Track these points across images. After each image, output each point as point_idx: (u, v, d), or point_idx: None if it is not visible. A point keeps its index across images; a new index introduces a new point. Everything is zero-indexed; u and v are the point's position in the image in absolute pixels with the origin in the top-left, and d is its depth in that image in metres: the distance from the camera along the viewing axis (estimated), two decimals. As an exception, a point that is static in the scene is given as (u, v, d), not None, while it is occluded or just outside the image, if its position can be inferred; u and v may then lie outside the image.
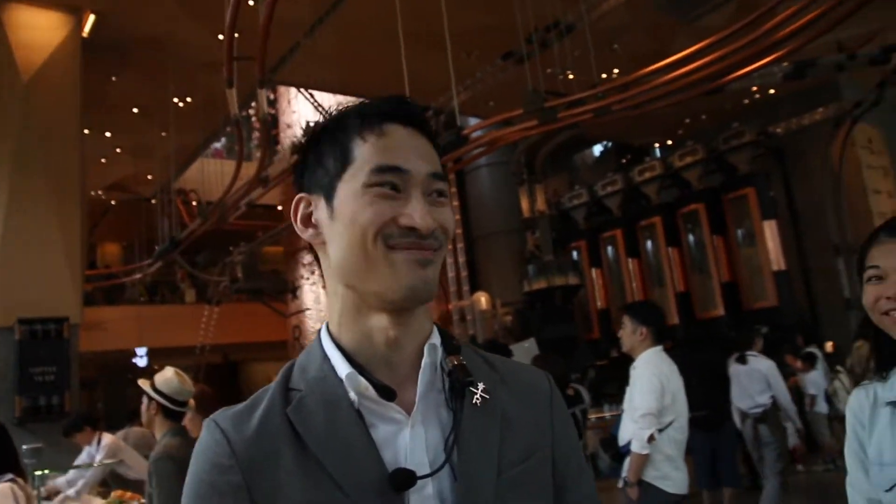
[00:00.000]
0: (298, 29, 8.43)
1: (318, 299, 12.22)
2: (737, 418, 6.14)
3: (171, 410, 3.14)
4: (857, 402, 1.57)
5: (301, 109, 11.95)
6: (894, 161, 11.93)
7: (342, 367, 0.87)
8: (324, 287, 0.95)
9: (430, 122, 0.97)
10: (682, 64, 6.23)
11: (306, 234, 0.93)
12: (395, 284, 0.86)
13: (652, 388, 3.78)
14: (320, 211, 0.91)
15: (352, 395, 0.86)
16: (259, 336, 15.68)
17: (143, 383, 3.22)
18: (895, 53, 7.23)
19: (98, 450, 5.68)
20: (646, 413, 3.74)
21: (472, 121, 11.21)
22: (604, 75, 9.72)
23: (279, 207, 13.96)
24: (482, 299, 12.19)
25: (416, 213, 0.86)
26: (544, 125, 6.13)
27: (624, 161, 14.73)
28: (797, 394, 8.23)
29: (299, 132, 10.67)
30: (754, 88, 10.49)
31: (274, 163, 9.77)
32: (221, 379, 17.89)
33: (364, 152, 0.89)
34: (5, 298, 7.36)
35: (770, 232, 10.46)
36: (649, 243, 11.94)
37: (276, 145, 12.62)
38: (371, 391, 0.85)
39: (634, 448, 3.75)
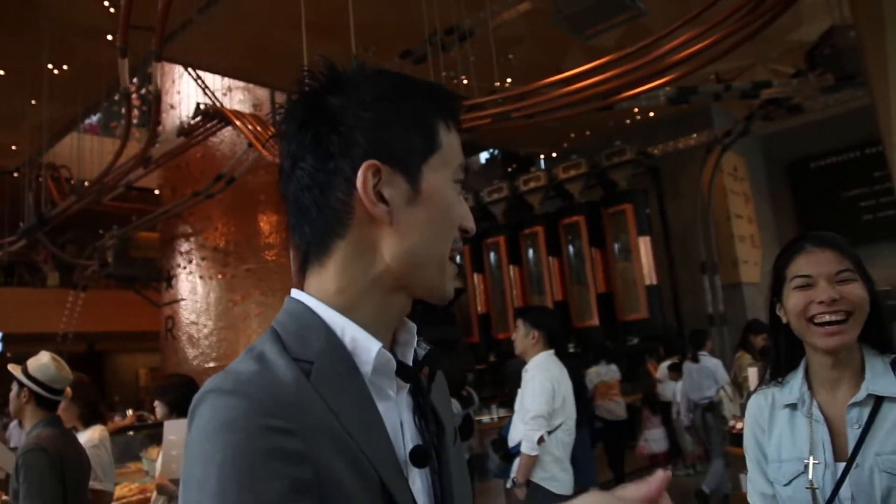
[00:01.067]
0: (192, 4, 8.09)
1: (193, 289, 11.75)
2: (684, 409, 7.47)
3: (46, 399, 2.95)
4: (756, 406, 1.68)
5: (185, 90, 11.47)
6: (754, 188, 12.90)
7: (369, 342, 0.83)
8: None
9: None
10: (578, 79, 6.48)
11: (377, 210, 0.84)
12: (445, 290, 0.90)
13: (543, 390, 3.89)
14: (397, 189, 0.85)
15: (367, 368, 0.83)
16: (128, 326, 14.88)
17: (14, 368, 2.98)
18: (765, 89, 7.84)
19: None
20: (536, 415, 3.84)
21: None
22: (496, 83, 9.93)
23: (157, 191, 13.34)
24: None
25: (470, 216, 0.91)
26: (442, 126, 6.19)
27: (510, 169, 15.09)
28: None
29: (184, 113, 10.26)
30: (636, 109, 11.02)
31: (156, 144, 9.31)
32: (84, 369, 16.76)
33: (451, 142, 0.89)
34: None
35: (644, 247, 11.03)
36: (531, 251, 12.28)
37: (159, 126, 12.05)
38: (392, 364, 0.85)
39: (524, 449, 3.84)
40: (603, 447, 8.88)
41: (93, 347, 17.79)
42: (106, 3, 6.24)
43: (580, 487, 4.68)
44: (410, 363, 0.90)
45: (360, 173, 0.84)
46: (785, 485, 1.56)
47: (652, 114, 11.63)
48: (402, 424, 0.86)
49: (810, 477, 1.50)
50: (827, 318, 1.50)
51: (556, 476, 3.87)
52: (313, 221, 0.87)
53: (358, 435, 0.78)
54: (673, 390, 8.22)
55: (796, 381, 1.61)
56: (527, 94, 6.64)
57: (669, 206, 12.14)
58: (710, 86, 8.04)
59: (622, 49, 6.88)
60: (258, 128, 8.04)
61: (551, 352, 4.08)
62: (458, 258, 0.91)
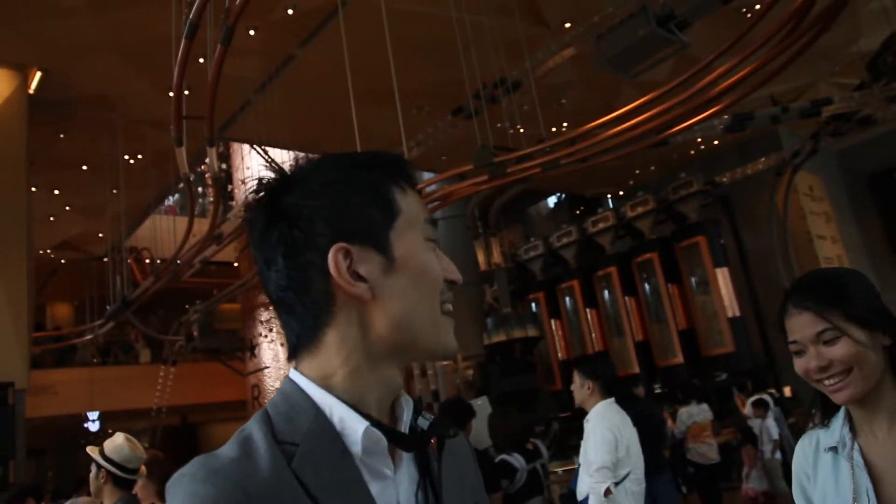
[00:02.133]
0: (249, 86, 8.50)
1: (276, 357, 12.04)
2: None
3: (122, 478, 3.03)
4: (801, 451, 1.59)
5: (254, 165, 11.95)
6: (835, 206, 12.32)
7: (355, 422, 0.82)
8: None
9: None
10: (625, 119, 6.41)
11: (357, 289, 0.85)
12: (444, 344, 0.90)
13: (605, 440, 3.78)
14: (370, 263, 0.86)
15: (356, 448, 0.82)
16: (217, 396, 15.33)
17: (92, 450, 3.09)
18: (825, 107, 7.55)
19: (42, 523, 5.47)
20: (600, 467, 3.74)
21: (427, 175, 11.33)
22: (553, 129, 9.94)
23: (235, 264, 13.83)
24: (442, 353, 12.12)
25: (452, 266, 0.91)
26: (494, 180, 6.22)
27: (578, 212, 14.96)
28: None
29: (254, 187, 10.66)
30: (699, 140, 10.81)
31: (228, 219, 9.69)
32: (179, 441, 17.38)
33: (410, 203, 0.90)
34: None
35: (723, 279, 10.65)
36: (606, 293, 12.06)
37: (231, 201, 12.57)
38: (382, 444, 0.83)
39: (592, 503, 3.73)
40: (698, 493, 8.49)
41: (185, 420, 18.37)
42: (171, 94, 6.64)
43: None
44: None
45: (330, 259, 0.84)
46: None
47: (716, 142, 11.37)
48: (396, 502, 0.84)
49: None
50: (826, 381, 1.43)
51: None
52: (300, 317, 0.87)
53: None
54: (759, 427, 7.80)
55: (838, 422, 1.51)
56: (577, 139, 6.61)
57: (745, 234, 11.74)
58: (767, 110, 7.81)
59: (676, 82, 6.79)
60: (319, 196, 8.25)
61: (610, 400, 3.98)
62: (449, 308, 0.91)
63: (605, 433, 3.81)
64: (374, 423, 0.83)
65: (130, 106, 8.90)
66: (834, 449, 1.49)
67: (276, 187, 0.89)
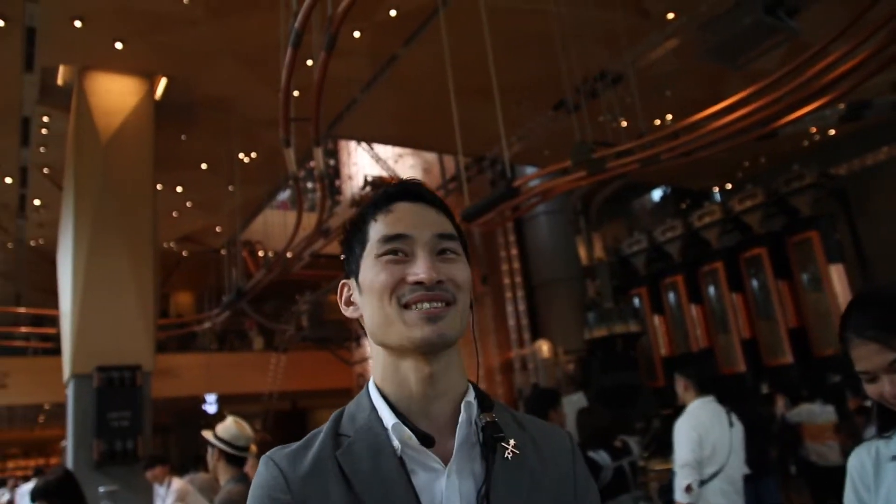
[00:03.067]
0: (356, 85, 8.80)
1: (380, 347, 12.40)
2: None
3: (233, 456, 3.27)
4: (857, 461, 1.57)
5: (361, 161, 12.34)
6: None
7: (388, 418, 0.99)
8: (375, 356, 1.09)
9: (436, 195, 1.12)
10: (731, 110, 6.24)
11: (348, 312, 1.10)
12: (410, 337, 0.98)
13: (689, 439, 3.86)
14: (354, 291, 1.08)
15: (395, 443, 0.97)
16: (325, 383, 15.93)
17: (206, 433, 3.37)
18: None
19: (168, 493, 5.93)
20: (683, 464, 3.85)
21: (530, 170, 11.37)
22: (657, 122, 9.77)
23: (342, 257, 14.31)
24: (544, 347, 12.15)
25: (420, 268, 1.00)
26: (593, 176, 6.21)
27: (683, 206, 14.58)
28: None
29: (359, 183, 11.03)
30: (813, 130, 10.33)
31: (335, 214, 10.08)
32: (289, 425, 18.15)
33: (375, 229, 1.05)
34: (85, 347, 7.77)
35: (837, 276, 10.15)
36: (712, 289, 11.73)
37: (338, 196, 13.03)
38: (413, 440, 0.96)
39: (676, 497, 3.87)
40: (809, 495, 8.18)
41: (295, 405, 19.14)
42: (281, 97, 7.02)
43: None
44: (481, 436, 0.99)
45: (339, 291, 1.13)
46: None
47: (832, 132, 10.83)
48: (443, 494, 0.94)
49: None
50: None
51: None
52: None
53: (372, 501, 0.92)
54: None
55: None
56: (680, 132, 6.49)
57: (863, 228, 11.13)
58: (887, 96, 7.38)
59: (785, 70, 6.55)
60: (421, 192, 8.45)
61: (705, 398, 4.00)
62: (413, 300, 0.99)
63: (690, 431, 3.88)
64: (405, 420, 0.98)
65: (245, 108, 9.41)
66: None
67: None
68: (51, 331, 13.90)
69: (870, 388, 1.43)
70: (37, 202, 11.91)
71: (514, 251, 12.63)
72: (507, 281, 12.51)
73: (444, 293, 0.99)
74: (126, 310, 7.97)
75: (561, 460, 1.06)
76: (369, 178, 9.77)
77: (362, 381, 12.73)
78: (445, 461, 0.95)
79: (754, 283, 11.13)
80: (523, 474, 0.99)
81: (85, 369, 7.73)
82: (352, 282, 1.09)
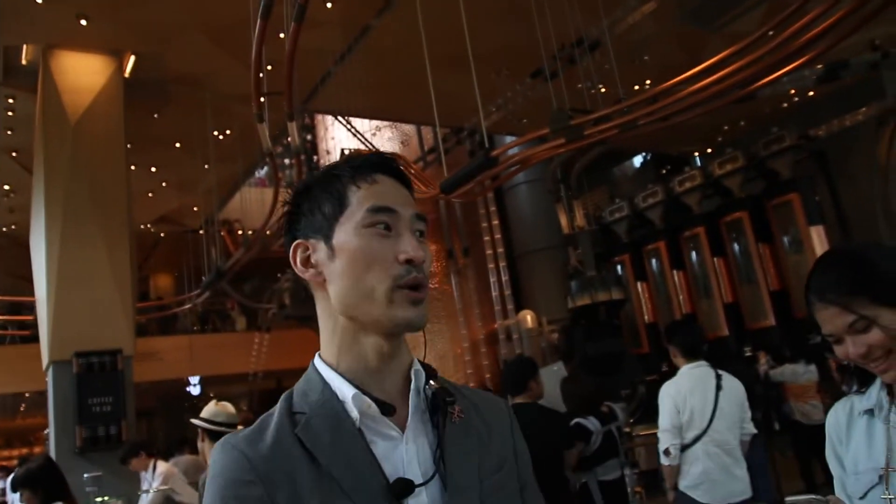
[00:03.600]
0: (329, 58, 8.63)
1: (364, 322, 12.34)
2: None
3: (214, 433, 3.36)
4: (833, 418, 1.59)
5: (339, 135, 12.19)
6: (946, 158, 11.55)
7: (347, 389, 0.99)
8: (327, 330, 1.06)
9: (408, 175, 1.12)
10: (708, 73, 6.17)
11: (307, 275, 1.05)
12: (394, 317, 0.98)
13: (665, 406, 4.06)
14: (319, 252, 1.03)
15: (354, 414, 0.97)
16: (309, 361, 15.84)
17: (194, 419, 3.51)
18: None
19: (154, 476, 5.91)
20: (661, 429, 4.05)
21: (509, 139, 11.27)
22: (636, 87, 9.68)
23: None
24: (527, 317, 12.16)
25: (409, 247, 1.00)
26: (571, 143, 6.14)
27: (664, 171, 14.57)
28: None
29: (336, 157, 10.87)
30: (792, 91, 10.30)
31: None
32: (274, 404, 18.09)
33: (360, 197, 1.02)
34: (62, 333, 7.66)
35: (818, 237, 10.21)
36: (694, 254, 11.76)
37: (316, 171, 12.88)
38: (374, 408, 0.97)
39: (661, 460, 4.06)
40: (793, 454, 8.29)
41: (280, 384, 19.09)
42: (252, 70, 6.88)
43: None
44: (430, 403, 1.02)
45: (290, 253, 1.06)
46: (860, 497, 1.44)
47: (811, 93, 10.81)
48: (403, 460, 0.97)
49: (886, 487, 1.38)
50: (871, 364, 1.39)
51: (701, 485, 3.93)
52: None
53: (338, 472, 0.93)
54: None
55: (875, 387, 1.49)
56: (658, 97, 6.42)
57: (842, 190, 11.17)
58: (864, 56, 7.35)
59: (763, 30, 6.47)
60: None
61: (691, 364, 4.11)
62: (408, 282, 0.99)
63: (665, 399, 4.08)
64: (363, 391, 0.98)
65: (218, 84, 9.21)
66: (870, 412, 1.48)
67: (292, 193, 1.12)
68: (28, 318, 13.72)
69: (837, 349, 1.43)
70: (6, 187, 11.66)
71: (494, 222, 12.57)
72: (489, 252, 12.46)
73: (423, 276, 1.01)
74: (103, 293, 7.84)
75: (501, 425, 1.12)
76: (346, 152, 9.63)
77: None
78: (401, 430, 0.98)
79: (736, 247, 11.18)
80: (471, 437, 1.04)
81: (64, 356, 7.62)
82: (317, 243, 1.04)
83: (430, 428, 1.01)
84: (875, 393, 1.48)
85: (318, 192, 1.06)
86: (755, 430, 4.10)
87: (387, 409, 0.98)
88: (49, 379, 7.84)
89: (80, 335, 7.66)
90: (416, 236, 1.04)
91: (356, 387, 0.99)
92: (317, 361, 1.06)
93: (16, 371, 13.30)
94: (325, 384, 1.01)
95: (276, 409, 1.01)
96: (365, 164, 1.06)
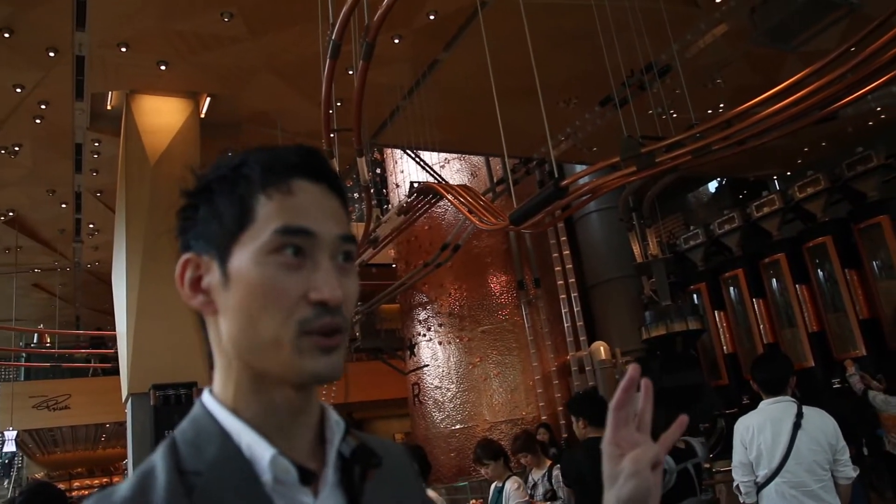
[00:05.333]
0: (398, 92, 8.74)
1: (435, 355, 12.31)
2: None
3: None
4: None
5: (408, 168, 12.28)
6: None
7: (260, 449, 0.78)
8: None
9: (336, 172, 0.88)
10: (785, 95, 5.94)
11: (194, 301, 0.83)
12: (300, 370, 0.79)
13: (735, 442, 3.96)
14: (212, 275, 0.81)
15: (266, 477, 0.77)
16: (381, 394, 15.92)
17: None
18: None
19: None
20: (733, 466, 3.95)
21: (579, 168, 11.14)
22: (709, 111, 9.44)
23: (393, 265, 14.30)
24: (601, 349, 11.87)
25: (325, 284, 0.79)
26: (643, 171, 5.98)
27: (740, 196, 14.12)
28: None
29: (406, 190, 10.98)
30: (878, 109, 9.86)
31: (383, 223, 10.04)
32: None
33: (268, 211, 0.80)
34: (141, 366, 7.90)
35: (911, 261, 9.66)
36: (774, 281, 11.29)
37: (387, 205, 13.01)
38: (293, 475, 0.78)
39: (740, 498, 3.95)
40: (893, 495, 7.80)
41: (352, 416, 19.21)
42: (322, 108, 7.03)
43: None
44: (345, 459, 0.84)
45: (177, 269, 0.83)
46: None
47: (899, 111, 10.33)
48: None
49: None
50: None
51: None
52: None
53: None
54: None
55: None
56: (733, 121, 6.22)
57: (937, 211, 10.56)
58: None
59: (843, 48, 6.20)
60: (468, 197, 8.34)
61: (769, 400, 3.94)
62: (317, 328, 0.79)
63: (735, 434, 3.96)
64: (280, 451, 0.77)
65: (289, 121, 9.44)
66: None
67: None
68: (109, 352, 14.22)
69: None
70: (91, 226, 12.19)
71: (565, 251, 12.37)
72: (560, 282, 12.27)
73: (342, 320, 0.80)
74: (180, 329, 8.02)
75: (410, 477, 0.97)
76: (415, 185, 9.70)
77: (418, 389, 12.65)
78: (314, 495, 0.79)
79: (820, 273, 10.67)
80: (387, 497, 0.88)
81: (142, 388, 7.83)
82: (209, 262, 0.82)
83: (341, 491, 0.83)
84: None
85: (221, 195, 0.82)
86: (854, 474, 3.81)
87: (307, 477, 0.78)
88: (128, 410, 8.05)
89: (158, 368, 7.86)
90: (340, 262, 0.82)
91: (269, 444, 0.78)
92: (209, 402, 0.82)
93: (98, 402, 13.79)
94: (225, 436, 0.79)
95: (157, 464, 0.77)
96: (279, 164, 0.82)
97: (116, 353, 9.39)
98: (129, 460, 8.01)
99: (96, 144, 9.79)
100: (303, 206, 0.81)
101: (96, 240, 12.76)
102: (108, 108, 9.14)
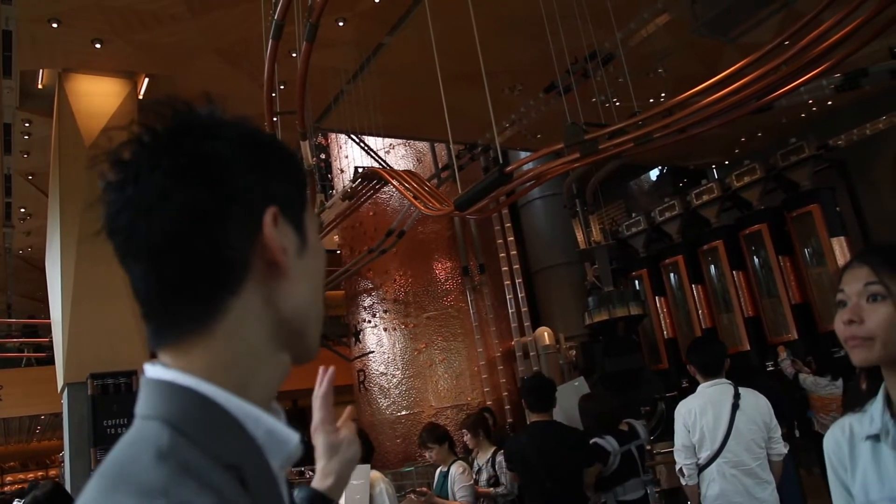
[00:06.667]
0: (342, 76, 8.64)
1: (380, 342, 12.28)
2: None
3: None
4: (833, 442, 1.52)
5: (352, 153, 12.17)
6: (970, 167, 11.35)
7: (287, 435, 0.75)
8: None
9: None
10: (724, 85, 6.08)
11: (284, 259, 0.76)
12: (317, 345, 0.84)
13: (676, 425, 4.08)
14: (289, 238, 0.77)
15: (277, 462, 0.75)
16: (326, 380, 15.73)
17: None
18: (955, 56, 6.90)
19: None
20: (675, 449, 4.06)
21: (524, 155, 11.21)
22: (651, 100, 9.60)
23: (338, 251, 14.18)
24: (545, 334, 12.01)
25: None
26: (586, 158, 6.05)
27: (681, 185, 14.44)
28: None
29: (350, 176, 10.86)
30: (810, 101, 10.18)
31: (327, 208, 9.93)
32: (291, 425, 18.04)
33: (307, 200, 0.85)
34: (77, 355, 7.67)
35: (840, 249, 10.01)
36: (713, 268, 11.59)
37: (332, 190, 12.87)
38: (299, 453, 0.78)
39: (680, 480, 4.05)
40: (820, 471, 8.10)
41: (296, 404, 19.05)
42: (265, 90, 6.90)
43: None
44: None
45: (266, 219, 0.74)
46: None
47: (829, 102, 10.67)
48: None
49: None
50: (850, 340, 1.41)
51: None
52: (195, 274, 0.72)
53: None
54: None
55: (877, 409, 1.42)
56: (674, 109, 6.34)
57: (865, 200, 10.99)
58: (884, 64, 7.23)
59: (778, 41, 6.38)
60: (413, 182, 8.32)
61: (708, 382, 4.02)
62: None
63: (676, 418, 4.09)
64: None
65: (232, 103, 8.96)
66: (875, 437, 1.41)
67: (190, 125, 0.77)
68: (43, 340, 13.77)
69: (837, 317, 1.44)
70: (22, 210, 11.75)
71: (510, 238, 12.46)
72: (504, 268, 12.36)
73: None
74: (119, 315, 7.83)
75: None
76: (360, 170, 9.61)
77: (363, 376, 12.61)
78: None
79: (756, 260, 11.00)
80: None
81: (79, 377, 7.62)
82: (286, 227, 0.77)
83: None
84: (878, 416, 1.41)
85: (274, 159, 0.80)
86: (785, 451, 3.98)
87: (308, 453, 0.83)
88: (64, 401, 7.82)
89: (96, 357, 7.66)
90: None
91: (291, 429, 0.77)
92: (212, 391, 0.71)
93: (32, 393, 13.37)
94: (238, 424, 0.71)
95: (190, 460, 0.64)
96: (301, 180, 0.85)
97: (51, 341, 9.10)
98: (66, 452, 7.78)
99: (27, 125, 9.41)
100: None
101: (28, 224, 12.30)
102: (40, 86, 8.79)
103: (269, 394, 0.78)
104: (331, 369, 0.97)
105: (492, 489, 5.62)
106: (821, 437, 6.49)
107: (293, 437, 0.76)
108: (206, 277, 0.72)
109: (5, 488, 19.26)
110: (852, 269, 1.44)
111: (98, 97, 8.48)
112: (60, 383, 7.87)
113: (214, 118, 0.80)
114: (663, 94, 9.71)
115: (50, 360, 9.68)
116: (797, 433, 8.21)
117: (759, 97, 5.86)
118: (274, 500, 0.72)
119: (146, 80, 8.78)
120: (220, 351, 0.73)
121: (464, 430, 6.14)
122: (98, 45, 7.89)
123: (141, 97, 8.86)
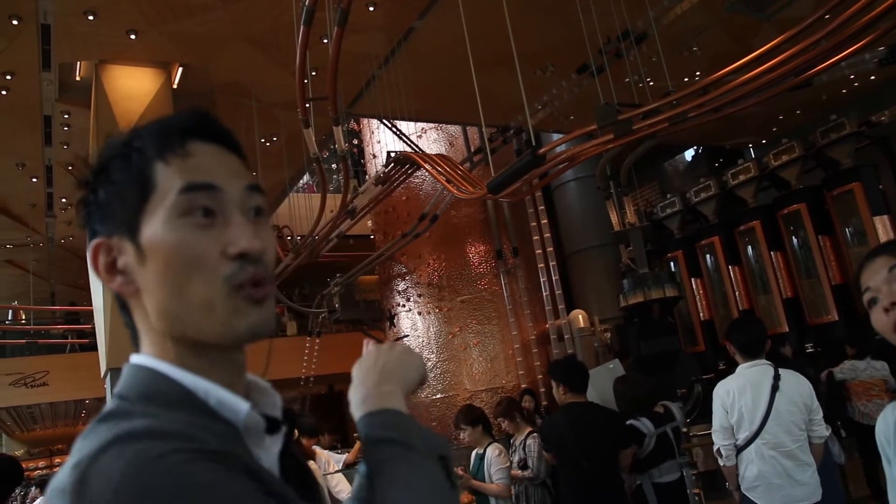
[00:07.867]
0: (373, 61, 8.63)
1: (414, 325, 12.33)
2: None
3: None
4: (882, 423, 1.54)
5: (384, 138, 12.19)
6: None
7: (236, 403, 0.78)
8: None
9: (233, 134, 0.89)
10: (760, 62, 5.95)
11: (114, 284, 0.82)
12: (235, 330, 0.79)
13: (714, 406, 4.02)
14: (126, 255, 0.81)
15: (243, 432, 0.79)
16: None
17: None
18: None
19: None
20: (713, 430, 4.02)
21: (556, 136, 11.12)
22: (686, 79, 9.44)
23: (371, 236, 14.25)
24: (579, 317, 11.96)
25: (241, 235, 0.80)
26: (620, 138, 5.98)
27: (716, 165, 14.20)
28: None
29: (383, 160, 10.89)
30: (851, 77, 9.91)
31: (360, 193, 9.97)
32: (326, 409, 18.28)
33: (169, 175, 0.80)
34: (119, 341, 7.79)
35: (882, 227, 9.79)
36: (750, 249, 11.42)
37: (365, 176, 12.93)
38: (261, 427, 0.81)
39: (718, 461, 4.03)
40: (860, 457, 7.95)
41: (332, 388, 19.24)
42: (297, 77, 6.92)
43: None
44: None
45: (88, 258, 0.83)
46: None
47: (872, 77, 10.38)
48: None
49: None
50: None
51: (757, 488, 3.84)
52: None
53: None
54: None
55: None
56: (709, 88, 6.23)
57: (908, 177, 10.70)
58: (929, 37, 7.00)
59: (818, 14, 6.21)
60: (445, 166, 8.30)
61: (748, 363, 3.98)
62: (243, 282, 0.79)
63: (714, 399, 4.03)
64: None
65: (263, 91, 9.30)
66: None
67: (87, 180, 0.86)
68: (86, 327, 14.08)
69: (873, 315, 1.42)
70: (63, 200, 11.98)
71: (543, 220, 12.39)
72: (538, 251, 12.31)
73: (265, 269, 0.81)
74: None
75: None
76: (392, 154, 9.63)
77: (398, 360, 12.64)
78: None
79: (794, 240, 10.81)
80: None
81: (120, 363, 7.73)
82: (120, 242, 0.81)
83: (275, 449, 0.87)
84: None
85: (116, 173, 0.82)
86: (826, 433, 3.91)
87: (275, 426, 0.83)
88: (107, 386, 8.00)
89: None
90: (252, 216, 0.83)
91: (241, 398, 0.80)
92: (155, 364, 0.80)
93: (77, 378, 13.69)
94: (185, 390, 0.78)
95: (160, 427, 0.70)
96: (171, 129, 0.83)
97: (93, 328, 9.30)
98: (109, 435, 7.96)
99: (66, 116, 9.58)
100: (202, 165, 0.82)
101: (69, 214, 12.55)
102: (78, 78, 8.94)
103: (229, 376, 0.82)
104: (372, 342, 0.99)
105: (520, 472, 5.63)
106: (860, 425, 6.38)
107: (242, 406, 0.78)
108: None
109: (54, 470, 19.80)
110: (869, 265, 1.42)
111: (134, 88, 8.59)
112: (103, 369, 8.03)
113: (98, 157, 0.88)
114: (698, 73, 9.54)
115: (93, 347, 9.89)
116: (843, 433, 7.96)
117: (798, 74, 5.73)
118: (262, 469, 0.75)
119: (180, 69, 8.87)
120: (152, 347, 0.84)
121: (500, 420, 6.14)
122: (133, 37, 7.99)
123: (175, 86, 8.96)
